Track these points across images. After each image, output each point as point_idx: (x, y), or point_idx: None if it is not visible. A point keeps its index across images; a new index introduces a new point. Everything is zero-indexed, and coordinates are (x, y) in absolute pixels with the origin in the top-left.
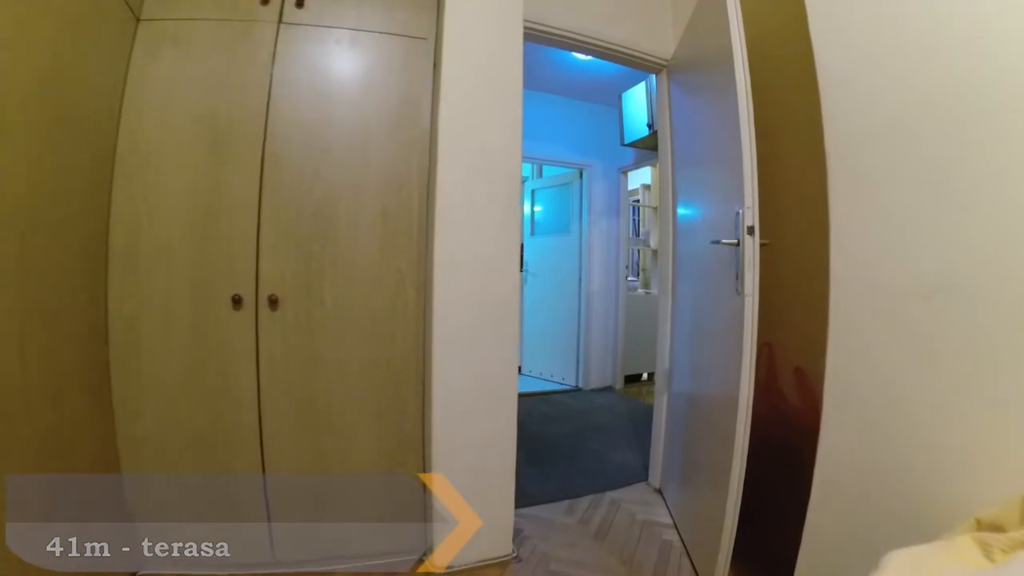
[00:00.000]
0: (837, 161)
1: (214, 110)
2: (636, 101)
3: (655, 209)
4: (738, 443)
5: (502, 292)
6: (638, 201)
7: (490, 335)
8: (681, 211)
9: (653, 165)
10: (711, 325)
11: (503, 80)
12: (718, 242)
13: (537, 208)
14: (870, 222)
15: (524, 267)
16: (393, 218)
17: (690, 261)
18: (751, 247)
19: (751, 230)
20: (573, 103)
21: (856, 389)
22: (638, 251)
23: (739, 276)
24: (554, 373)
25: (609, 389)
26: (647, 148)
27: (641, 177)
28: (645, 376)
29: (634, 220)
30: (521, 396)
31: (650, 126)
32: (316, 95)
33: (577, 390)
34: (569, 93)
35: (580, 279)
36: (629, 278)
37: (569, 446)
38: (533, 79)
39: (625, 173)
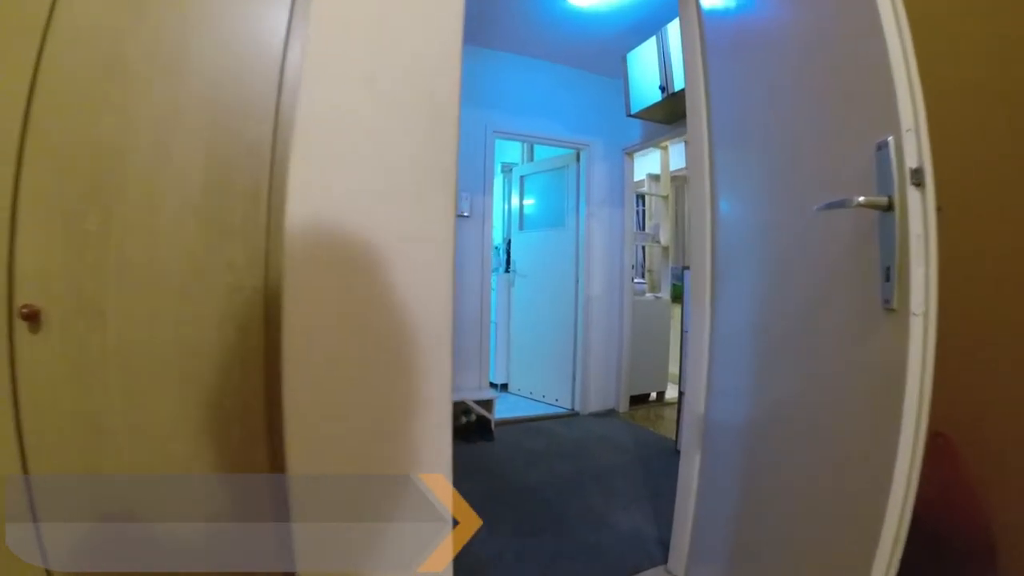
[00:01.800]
0: None
1: None
2: (644, 61)
3: (665, 199)
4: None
5: (424, 311)
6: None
7: (396, 391)
8: (724, 187)
9: (663, 147)
10: (806, 358)
11: None
12: (846, 203)
13: (528, 201)
14: None
15: (511, 267)
16: (226, 175)
17: (742, 254)
18: (920, 210)
19: (917, 176)
20: (569, 71)
21: None
22: (643, 248)
23: (891, 274)
24: (546, 393)
25: (611, 413)
26: (658, 120)
27: (647, 166)
28: (654, 396)
29: (639, 212)
30: (503, 423)
31: (663, 88)
32: None
33: (573, 414)
34: (564, 59)
35: (577, 281)
36: (635, 280)
37: (560, 504)
38: (520, 42)
39: (630, 155)
